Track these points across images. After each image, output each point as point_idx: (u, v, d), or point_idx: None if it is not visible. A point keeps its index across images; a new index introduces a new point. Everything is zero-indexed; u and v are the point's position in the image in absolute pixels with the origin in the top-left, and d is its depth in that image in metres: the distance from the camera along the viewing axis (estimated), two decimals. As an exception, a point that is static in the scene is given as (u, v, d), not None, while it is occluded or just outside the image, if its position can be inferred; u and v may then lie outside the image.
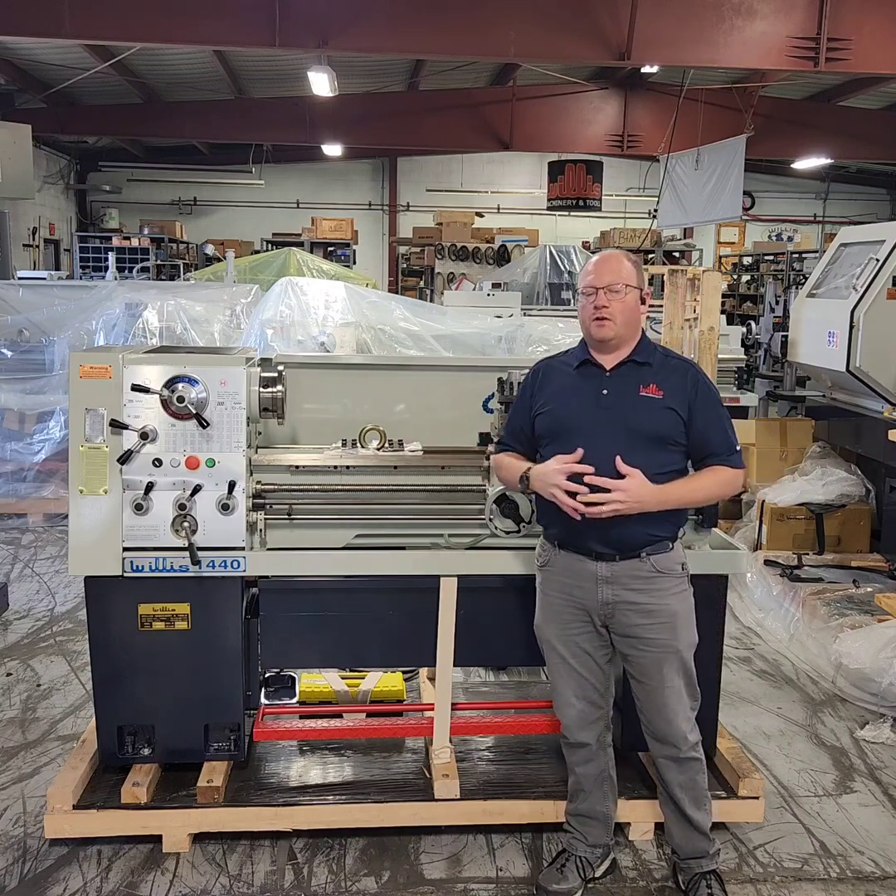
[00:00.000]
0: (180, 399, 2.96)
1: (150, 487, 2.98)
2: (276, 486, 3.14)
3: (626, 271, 2.74)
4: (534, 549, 3.10)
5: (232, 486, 3.00)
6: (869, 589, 5.07)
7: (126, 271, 12.97)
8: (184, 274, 14.09)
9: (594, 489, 2.62)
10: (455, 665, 3.27)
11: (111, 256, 11.72)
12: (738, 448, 2.81)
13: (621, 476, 2.63)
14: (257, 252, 15.39)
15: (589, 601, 2.78)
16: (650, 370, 2.77)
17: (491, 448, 3.19)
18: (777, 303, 8.73)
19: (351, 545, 3.21)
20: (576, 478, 2.64)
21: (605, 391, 2.76)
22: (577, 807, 2.99)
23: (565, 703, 2.90)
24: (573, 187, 15.22)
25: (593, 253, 13.63)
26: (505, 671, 4.38)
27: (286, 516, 3.15)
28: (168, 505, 2.99)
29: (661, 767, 2.89)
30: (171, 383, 2.98)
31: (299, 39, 9.50)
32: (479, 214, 17.37)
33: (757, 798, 3.23)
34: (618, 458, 2.63)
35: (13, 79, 13.22)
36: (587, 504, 2.62)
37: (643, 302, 2.79)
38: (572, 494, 2.63)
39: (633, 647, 2.79)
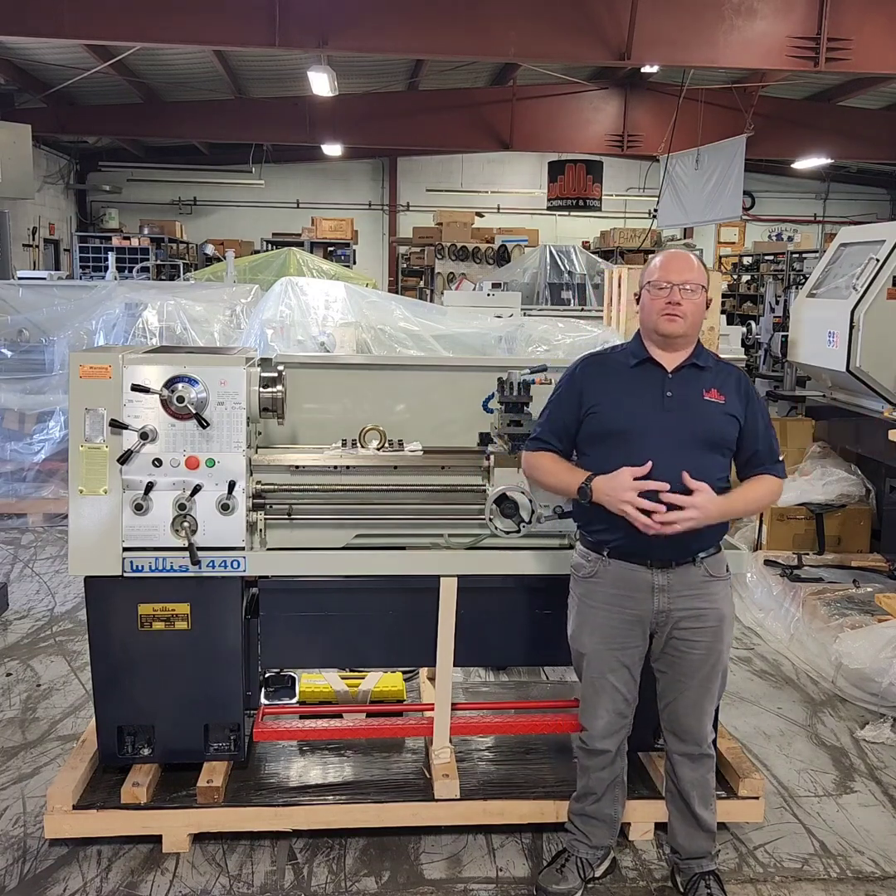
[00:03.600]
0: (180, 399, 2.96)
1: (150, 487, 2.98)
2: (276, 486, 3.14)
3: (697, 271, 2.71)
4: (534, 549, 3.10)
5: (232, 486, 3.00)
6: (869, 589, 5.07)
7: (126, 271, 12.96)
8: (184, 274, 14.08)
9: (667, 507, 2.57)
10: (455, 665, 3.26)
11: (111, 256, 11.72)
12: (781, 458, 2.79)
13: (685, 487, 2.60)
14: (257, 252, 15.39)
15: (642, 611, 2.73)
16: (709, 374, 2.74)
17: (502, 444, 3.18)
18: (777, 303, 8.71)
19: (351, 545, 3.21)
20: (646, 492, 2.58)
21: (669, 393, 2.70)
22: (584, 807, 2.97)
23: (595, 715, 2.86)
24: (573, 187, 15.22)
25: (594, 253, 13.73)
26: (505, 671, 4.38)
27: (286, 516, 3.15)
28: (168, 505, 2.99)
29: (675, 763, 2.88)
30: (170, 383, 2.98)
31: (299, 39, 9.50)
32: (479, 214, 17.36)
33: (757, 798, 3.23)
34: (685, 475, 2.58)
35: (13, 79, 13.21)
36: (660, 521, 2.57)
37: (707, 306, 2.77)
38: (645, 512, 2.57)
39: (678, 649, 2.76)
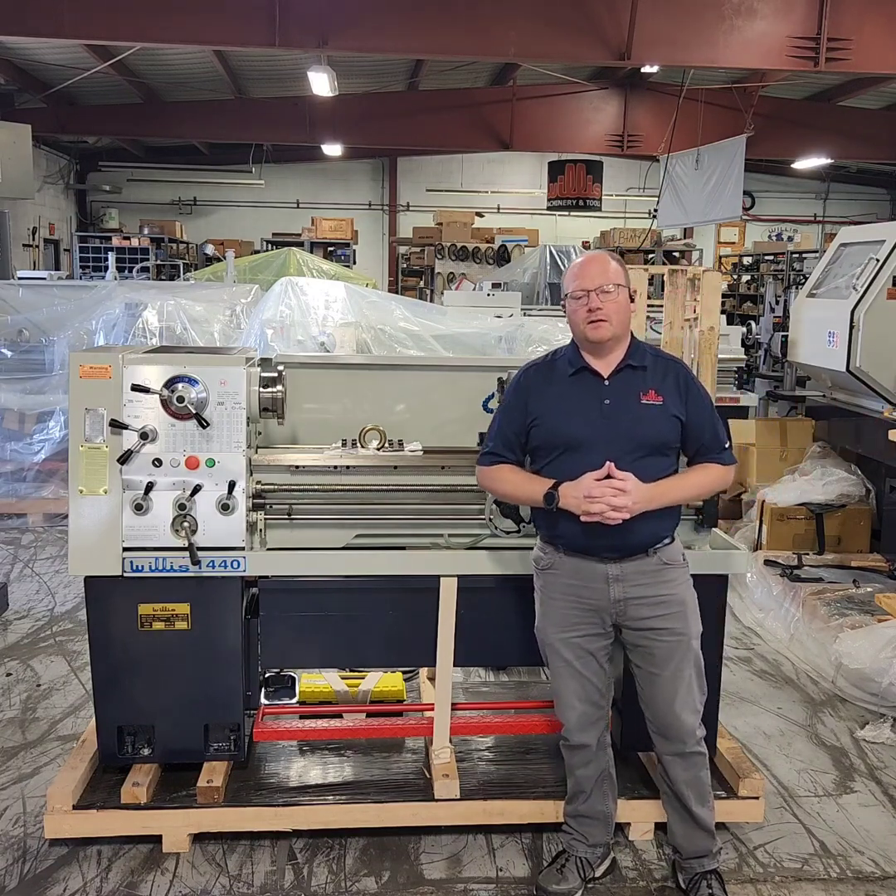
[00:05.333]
0: (180, 399, 2.96)
1: (150, 487, 2.98)
2: (276, 486, 3.14)
3: (613, 271, 2.73)
4: (534, 549, 3.10)
5: (232, 486, 3.00)
6: (869, 589, 5.07)
7: (126, 271, 12.96)
8: (184, 274, 14.08)
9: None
10: (455, 665, 3.27)
11: (111, 256, 11.72)
12: (727, 445, 2.82)
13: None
14: (257, 252, 15.39)
15: (599, 601, 2.76)
16: (646, 374, 2.77)
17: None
18: (777, 303, 8.72)
19: (351, 545, 3.21)
20: (582, 471, 2.65)
21: (607, 401, 2.73)
22: (576, 808, 2.98)
23: (567, 705, 2.88)
24: (573, 187, 15.22)
25: (593, 253, 13.73)
26: (505, 671, 4.38)
27: (286, 516, 3.15)
28: (168, 505, 2.99)
29: (666, 764, 2.89)
30: (170, 383, 2.98)
31: (299, 39, 9.50)
32: (479, 214, 17.37)
33: (757, 798, 3.23)
34: (610, 465, 2.62)
35: (13, 79, 13.21)
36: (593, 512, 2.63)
37: (632, 300, 2.78)
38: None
39: (647, 638, 2.78)
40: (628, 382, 2.75)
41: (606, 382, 2.75)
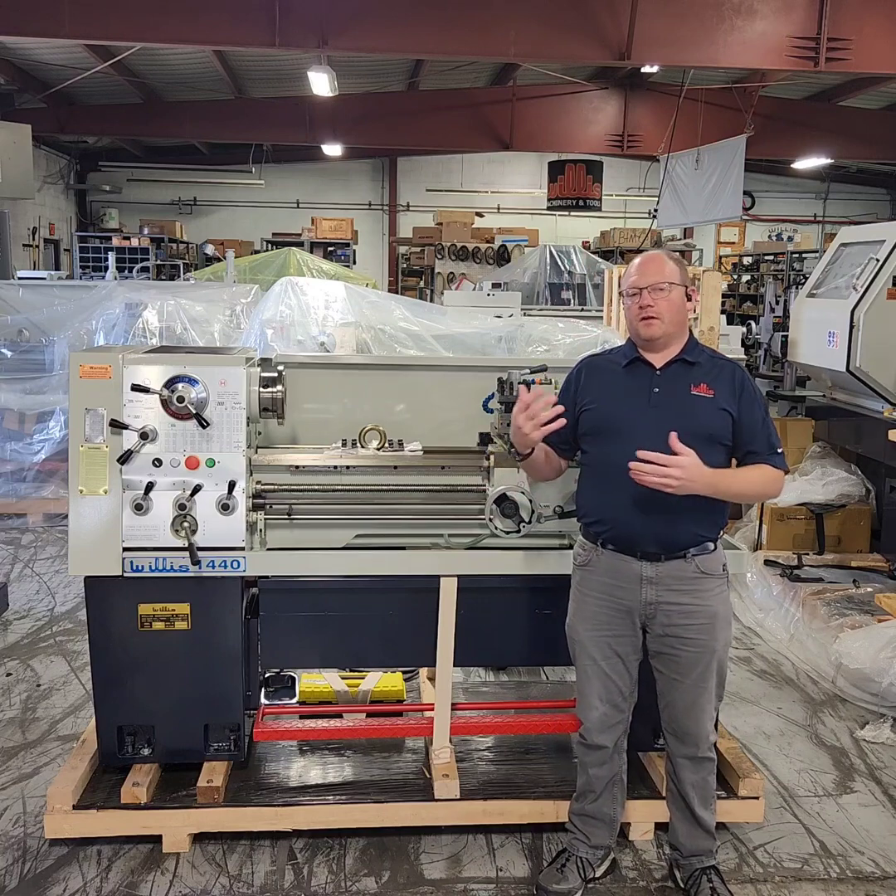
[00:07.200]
0: (180, 399, 2.96)
1: (150, 487, 2.98)
2: (276, 486, 3.14)
3: (669, 270, 2.75)
4: (534, 549, 3.10)
5: (232, 485, 3.00)
6: (869, 589, 5.07)
7: (126, 271, 12.97)
8: (184, 274, 14.08)
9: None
10: (455, 665, 3.26)
11: (111, 256, 11.72)
12: (780, 450, 2.79)
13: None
14: (257, 252, 15.39)
15: (631, 601, 2.76)
16: (699, 369, 2.78)
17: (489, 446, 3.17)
18: (777, 303, 8.73)
19: (351, 545, 3.21)
20: (628, 456, 2.58)
21: (656, 389, 2.75)
22: (583, 807, 2.98)
23: (589, 705, 2.88)
24: (573, 187, 15.23)
25: (594, 253, 13.73)
26: (505, 671, 4.38)
27: (286, 516, 3.15)
28: (168, 505, 2.99)
29: (677, 766, 2.89)
30: (170, 383, 2.98)
31: (299, 39, 9.51)
32: (479, 214, 17.37)
33: (757, 798, 3.23)
34: (672, 436, 2.58)
35: (13, 79, 13.21)
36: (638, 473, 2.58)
37: (689, 299, 2.79)
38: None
39: (671, 646, 2.78)
40: (679, 374, 2.77)
41: (658, 372, 2.77)
